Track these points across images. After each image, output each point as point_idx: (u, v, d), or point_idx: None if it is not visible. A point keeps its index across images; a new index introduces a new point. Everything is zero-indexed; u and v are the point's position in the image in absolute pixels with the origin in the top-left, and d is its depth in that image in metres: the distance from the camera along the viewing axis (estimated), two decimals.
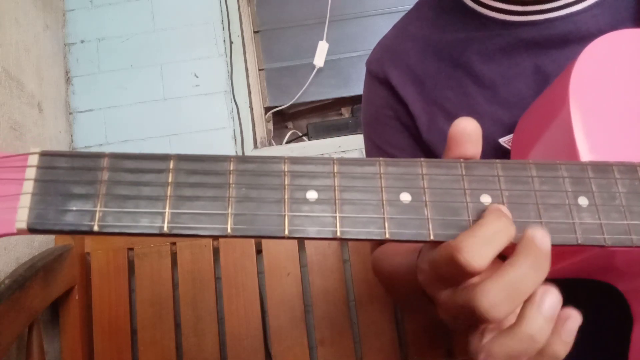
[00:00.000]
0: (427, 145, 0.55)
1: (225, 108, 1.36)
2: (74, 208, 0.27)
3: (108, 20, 1.40)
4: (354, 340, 1.09)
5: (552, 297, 0.27)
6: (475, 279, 0.28)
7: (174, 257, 1.11)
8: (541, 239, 0.27)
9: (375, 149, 0.62)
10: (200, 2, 1.40)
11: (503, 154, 0.48)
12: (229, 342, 1.08)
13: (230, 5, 1.39)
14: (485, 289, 0.26)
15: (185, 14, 1.39)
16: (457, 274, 0.27)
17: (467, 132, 0.31)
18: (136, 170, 0.28)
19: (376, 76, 0.59)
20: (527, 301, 0.27)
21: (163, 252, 1.11)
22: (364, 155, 0.67)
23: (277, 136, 1.49)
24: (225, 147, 1.34)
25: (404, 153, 0.58)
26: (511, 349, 0.27)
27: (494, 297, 0.26)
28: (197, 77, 1.37)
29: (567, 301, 0.48)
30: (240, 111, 1.35)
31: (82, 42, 1.39)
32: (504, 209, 0.28)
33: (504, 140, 0.48)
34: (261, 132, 1.39)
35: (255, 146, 1.35)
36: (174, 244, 1.11)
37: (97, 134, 1.35)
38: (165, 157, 0.28)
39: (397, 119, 0.58)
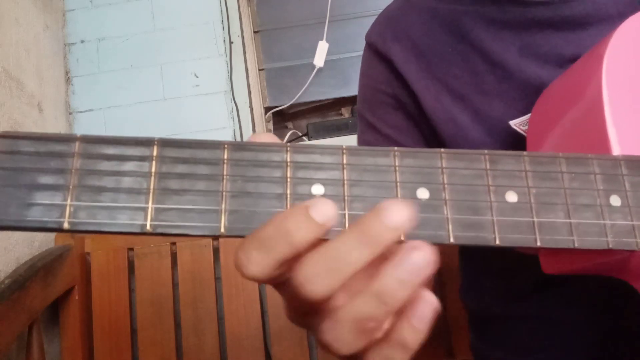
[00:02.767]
0: (430, 127, 0.52)
1: (225, 108, 1.36)
2: (41, 201, 0.23)
3: (108, 20, 1.39)
4: None
5: (417, 256, 0.22)
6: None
7: (174, 257, 1.11)
8: (389, 214, 0.22)
9: (368, 128, 0.58)
10: (200, 2, 1.40)
11: (515, 138, 0.46)
12: (229, 342, 1.08)
13: (230, 5, 1.39)
14: (304, 261, 0.23)
15: (185, 14, 1.39)
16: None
17: None
18: (114, 157, 0.24)
19: (376, 51, 0.56)
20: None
21: (163, 252, 1.11)
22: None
23: (277, 136, 1.49)
24: None
25: (401, 134, 0.55)
26: (358, 311, 0.23)
27: (311, 268, 0.22)
28: (197, 77, 1.37)
29: (576, 301, 0.47)
30: (240, 111, 1.35)
31: (82, 42, 1.39)
32: (318, 207, 0.22)
33: (516, 123, 0.45)
34: (261, 132, 1.39)
35: None
36: (174, 244, 1.11)
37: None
38: (147, 142, 0.24)
39: (394, 97, 0.54)
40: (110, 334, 1.07)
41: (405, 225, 0.22)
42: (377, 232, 0.22)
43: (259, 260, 0.22)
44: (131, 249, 1.11)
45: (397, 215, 0.22)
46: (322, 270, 0.22)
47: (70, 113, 1.36)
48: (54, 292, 0.97)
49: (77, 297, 1.05)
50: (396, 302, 0.22)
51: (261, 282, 0.23)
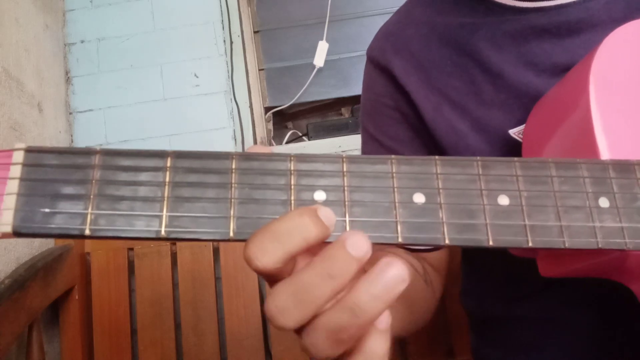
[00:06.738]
0: (431, 136, 0.52)
1: (225, 108, 1.36)
2: (64, 210, 0.24)
3: (108, 20, 1.40)
4: None
5: (392, 272, 0.23)
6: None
7: (174, 257, 1.11)
8: (353, 244, 0.23)
9: (371, 140, 0.59)
10: (200, 2, 1.40)
11: (514, 146, 0.46)
12: (229, 342, 1.08)
13: (230, 5, 1.39)
14: (274, 292, 0.24)
15: (185, 14, 1.39)
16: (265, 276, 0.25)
17: None
18: (130, 168, 0.26)
19: (377, 65, 0.57)
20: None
21: (163, 252, 1.11)
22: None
23: (277, 136, 1.49)
24: (226, 147, 1.34)
25: (402, 146, 0.56)
26: (333, 322, 0.24)
27: (281, 301, 0.23)
28: (197, 77, 1.37)
29: (577, 301, 0.47)
30: (240, 111, 1.35)
31: (82, 42, 1.39)
32: (323, 211, 0.25)
33: (515, 132, 0.46)
34: (261, 132, 1.39)
35: None
36: (174, 243, 1.11)
37: (97, 134, 1.35)
38: (161, 154, 0.26)
39: (397, 110, 0.55)
40: (110, 334, 1.07)
41: (366, 257, 0.23)
42: (346, 262, 0.23)
43: (273, 252, 0.24)
44: (131, 249, 1.11)
45: (359, 245, 0.23)
46: (291, 303, 0.23)
47: (70, 113, 1.36)
48: (54, 292, 0.97)
49: (77, 297, 1.05)
50: (369, 316, 0.23)
51: (266, 273, 0.24)
